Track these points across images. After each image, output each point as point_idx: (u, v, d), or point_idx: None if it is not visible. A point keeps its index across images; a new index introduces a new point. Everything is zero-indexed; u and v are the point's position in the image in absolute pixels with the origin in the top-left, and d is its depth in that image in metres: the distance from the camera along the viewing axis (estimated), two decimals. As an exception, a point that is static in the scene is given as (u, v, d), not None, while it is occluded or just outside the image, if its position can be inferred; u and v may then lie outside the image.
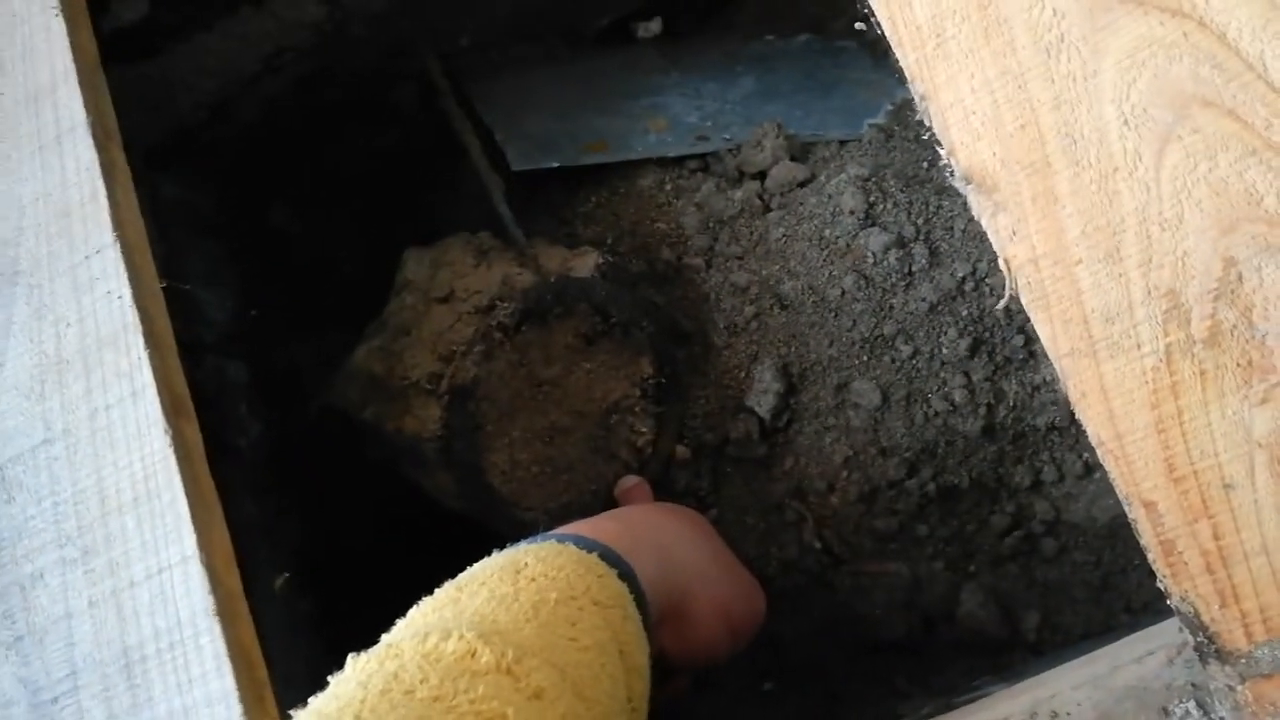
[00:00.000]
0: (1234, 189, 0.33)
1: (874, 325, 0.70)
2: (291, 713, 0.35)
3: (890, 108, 0.81)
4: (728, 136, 0.78)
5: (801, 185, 0.74)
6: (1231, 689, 0.32)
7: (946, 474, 0.71)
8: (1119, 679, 0.37)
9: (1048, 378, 0.70)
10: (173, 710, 0.42)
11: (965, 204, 0.73)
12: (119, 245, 0.47)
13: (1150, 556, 0.33)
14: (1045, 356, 0.70)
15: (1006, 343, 0.70)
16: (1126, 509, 0.34)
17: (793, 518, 0.73)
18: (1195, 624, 0.32)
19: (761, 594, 0.60)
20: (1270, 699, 0.31)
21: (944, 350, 0.69)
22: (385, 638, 0.40)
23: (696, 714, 0.71)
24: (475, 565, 0.45)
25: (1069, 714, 0.37)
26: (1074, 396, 0.35)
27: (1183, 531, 0.33)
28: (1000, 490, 0.72)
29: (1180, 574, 0.33)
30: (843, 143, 0.77)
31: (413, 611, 0.42)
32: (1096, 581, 0.73)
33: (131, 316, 0.46)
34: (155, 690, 0.42)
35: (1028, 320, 0.69)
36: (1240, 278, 0.33)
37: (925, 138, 0.77)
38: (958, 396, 0.69)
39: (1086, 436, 0.72)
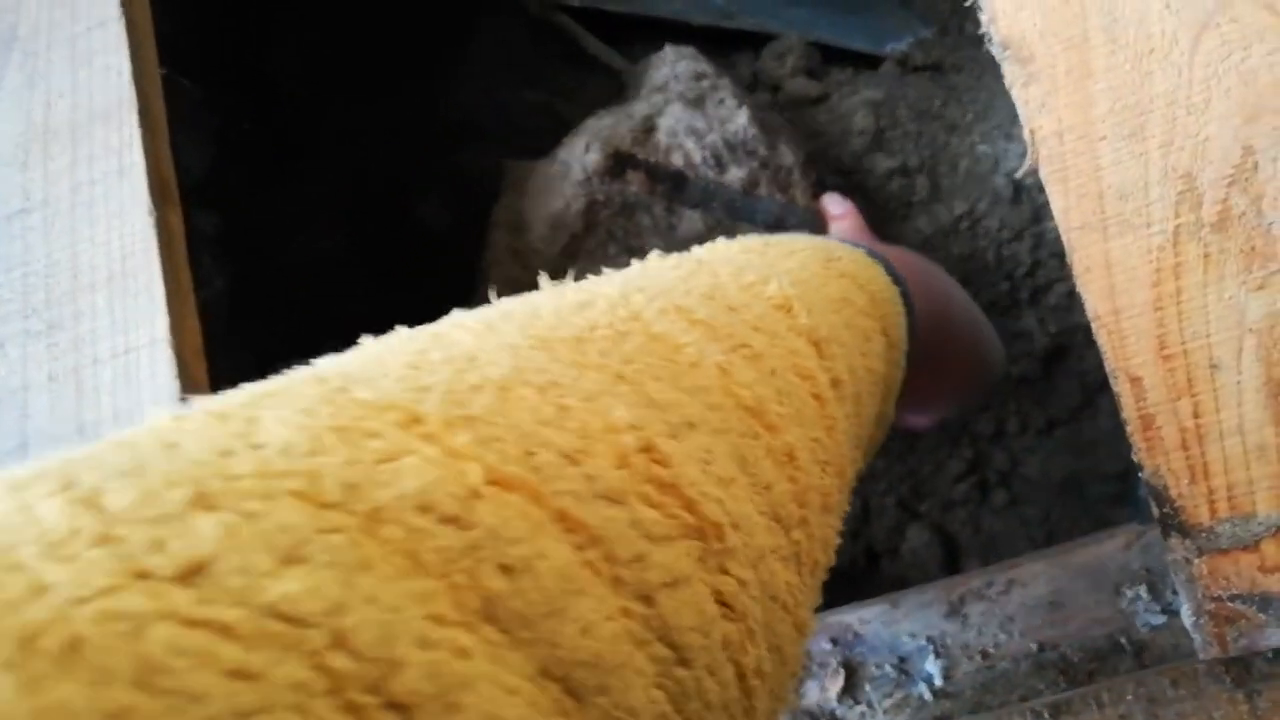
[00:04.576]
0: (1263, 80, 0.33)
1: (865, 251, 0.70)
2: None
3: (913, 40, 0.81)
4: (753, 21, 0.77)
5: (814, 103, 0.74)
6: (1189, 561, 0.33)
7: (913, 410, 0.72)
8: (1076, 557, 0.38)
9: (1026, 328, 0.71)
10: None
11: (972, 144, 0.73)
12: (123, 21, 0.45)
13: (1129, 430, 0.34)
14: (1028, 305, 0.71)
15: (993, 287, 0.70)
16: (1112, 383, 0.34)
17: (757, 434, 0.73)
18: (1163, 497, 0.33)
19: (1000, 344, 0.61)
20: (1224, 572, 0.32)
21: (929, 286, 0.70)
22: (694, 252, 0.35)
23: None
24: (776, 234, 0.40)
25: (1025, 584, 0.37)
26: (1078, 270, 0.35)
27: (1164, 407, 0.33)
28: (962, 435, 0.73)
29: (1155, 448, 0.33)
30: (857, 70, 0.77)
31: (702, 250, 0.35)
32: (1041, 537, 0.74)
33: (129, 93, 0.45)
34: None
35: (1015, 268, 0.70)
36: (1256, 166, 0.33)
37: (937, 78, 0.77)
38: (936, 333, 0.70)
39: (1054, 392, 0.73)
